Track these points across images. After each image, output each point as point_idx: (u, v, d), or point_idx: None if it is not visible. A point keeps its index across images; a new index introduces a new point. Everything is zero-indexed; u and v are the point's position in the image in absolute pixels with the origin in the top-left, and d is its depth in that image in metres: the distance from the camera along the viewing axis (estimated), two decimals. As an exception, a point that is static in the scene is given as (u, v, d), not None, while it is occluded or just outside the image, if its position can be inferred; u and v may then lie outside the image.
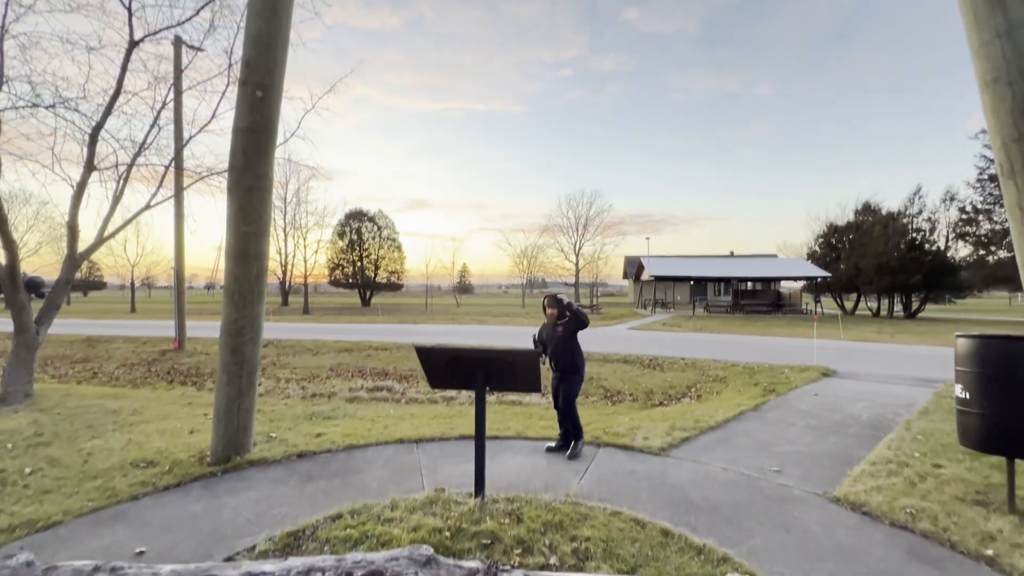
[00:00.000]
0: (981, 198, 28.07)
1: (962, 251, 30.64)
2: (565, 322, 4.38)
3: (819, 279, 33.01)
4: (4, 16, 6.50)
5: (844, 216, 36.30)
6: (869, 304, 36.06)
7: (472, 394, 6.25)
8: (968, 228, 29.37)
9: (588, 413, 6.65)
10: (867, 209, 34.52)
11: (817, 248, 36.67)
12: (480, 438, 3.21)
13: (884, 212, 33.26)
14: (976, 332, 3.38)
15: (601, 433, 5.03)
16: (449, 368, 3.29)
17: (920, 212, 31.47)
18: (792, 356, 11.63)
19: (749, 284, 37.90)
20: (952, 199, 30.39)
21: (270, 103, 3.90)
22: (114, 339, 15.74)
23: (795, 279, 34.65)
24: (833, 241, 35.88)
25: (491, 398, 7.89)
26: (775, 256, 44.07)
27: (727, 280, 37.08)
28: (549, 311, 4.45)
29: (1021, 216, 2.33)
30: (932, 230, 31.10)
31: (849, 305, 36.70)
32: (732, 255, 49.56)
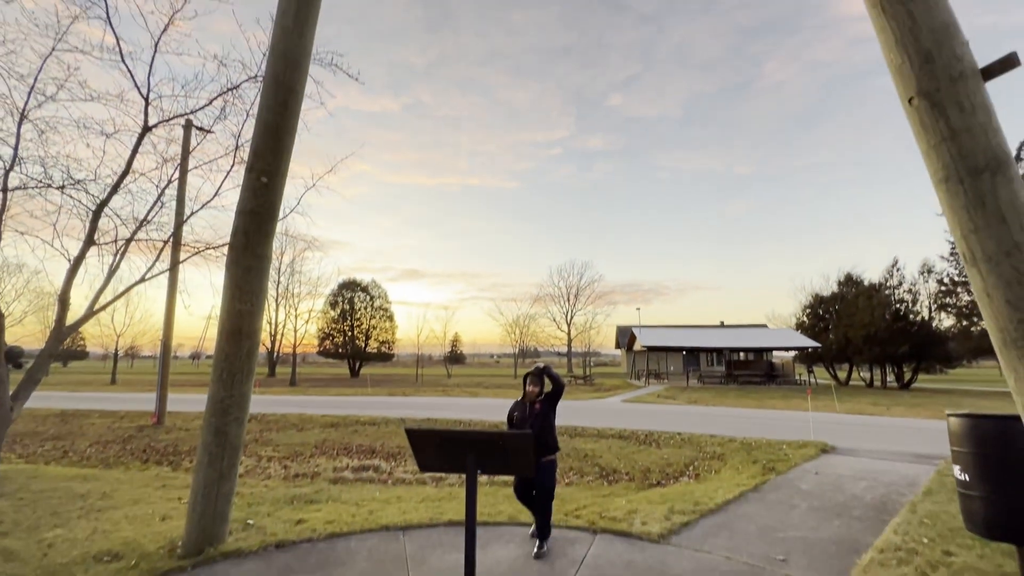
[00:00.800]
0: (956, 271, 29.08)
1: (946, 321, 31.20)
2: (542, 398, 4.11)
3: (809, 349, 33.13)
4: (26, 103, 6.92)
5: (828, 287, 37.23)
6: (862, 374, 35.98)
7: (462, 475, 6.01)
8: (948, 299, 30.13)
9: (584, 494, 6.37)
10: (850, 281, 35.49)
11: (805, 319, 37.17)
12: (471, 527, 3.06)
13: (866, 283, 34.20)
14: (968, 410, 3.39)
15: (597, 518, 4.81)
16: (438, 451, 3.20)
17: (900, 284, 32.39)
18: (789, 430, 11.40)
19: (741, 354, 37.88)
20: (930, 271, 31.43)
21: (274, 188, 4.10)
22: (90, 413, 15.12)
23: (786, 349, 34.76)
24: (820, 311, 36.46)
25: (482, 479, 7.56)
26: (765, 326, 44.48)
27: (719, 350, 37.08)
28: (530, 388, 4.12)
29: (988, 301, 2.44)
30: (915, 301, 31.83)
31: (842, 375, 36.59)
32: (723, 325, 49.95)
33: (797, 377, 34.30)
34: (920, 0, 2.46)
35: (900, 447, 9.22)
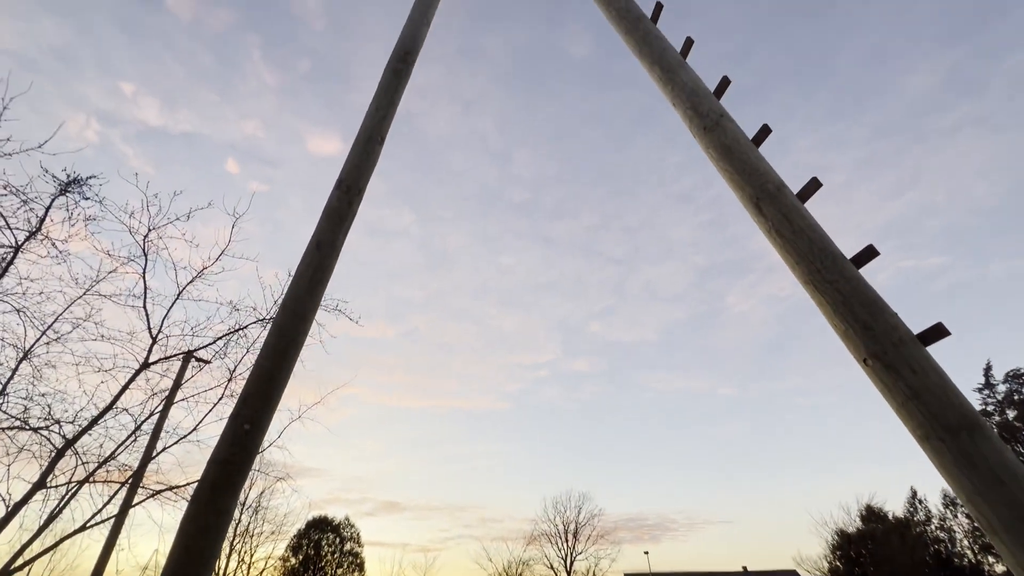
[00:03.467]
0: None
1: (998, 567, 27.34)
2: None
3: (855, 606, 27.98)
4: (35, 343, 7.21)
5: (851, 521, 33.68)
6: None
7: None
8: (987, 538, 27.07)
9: None
10: (872, 514, 32.38)
11: (839, 563, 32.48)
12: None
13: (891, 517, 31.15)
14: None
15: None
16: None
17: (929, 519, 29.54)
18: None
19: (776, 613, 31.68)
20: (954, 503, 29.07)
21: (255, 437, 3.99)
22: None
23: (827, 605, 29.27)
24: (852, 553, 32.14)
25: None
26: (795, 573, 38.47)
27: (749, 608, 31.11)
28: None
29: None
30: (952, 540, 28.50)
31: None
32: (746, 571, 43.14)
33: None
34: (843, 281, 2.90)
35: None
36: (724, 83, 3.86)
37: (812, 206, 3.36)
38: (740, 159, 3.46)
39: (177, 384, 10.12)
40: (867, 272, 3.00)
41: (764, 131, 3.59)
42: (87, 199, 6.33)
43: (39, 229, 6.21)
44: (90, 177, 6.30)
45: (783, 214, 3.17)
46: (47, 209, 6.19)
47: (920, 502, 30.40)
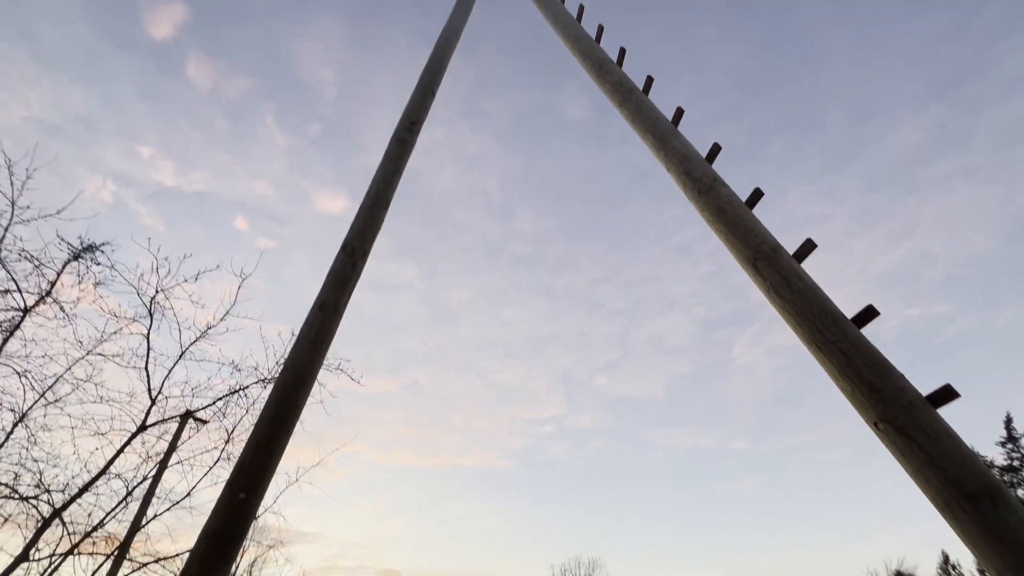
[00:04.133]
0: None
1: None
2: None
3: None
4: (32, 406, 7.13)
5: (883, 591, 31.38)
6: None
7: None
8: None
9: None
10: (904, 582, 30.26)
11: (871, 637, 29.98)
12: None
13: (924, 586, 29.05)
14: None
15: None
16: None
17: (966, 587, 27.56)
18: None
19: None
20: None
21: (250, 506, 3.84)
22: None
23: None
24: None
25: None
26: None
27: None
28: None
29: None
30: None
31: None
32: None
33: None
34: (846, 342, 2.89)
35: None
36: (715, 149, 4.03)
37: (811, 264, 3.42)
38: (735, 221, 3.55)
39: (172, 446, 9.88)
40: (870, 332, 3.00)
41: (757, 194, 3.70)
42: (98, 264, 6.48)
43: (49, 293, 6.31)
44: (103, 244, 6.48)
45: (781, 275, 3.21)
46: (59, 274, 6.32)
47: (953, 567, 28.49)
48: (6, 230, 6.09)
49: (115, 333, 7.90)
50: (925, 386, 2.74)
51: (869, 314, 2.99)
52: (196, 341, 7.93)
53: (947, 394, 2.64)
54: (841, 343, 2.90)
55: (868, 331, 2.99)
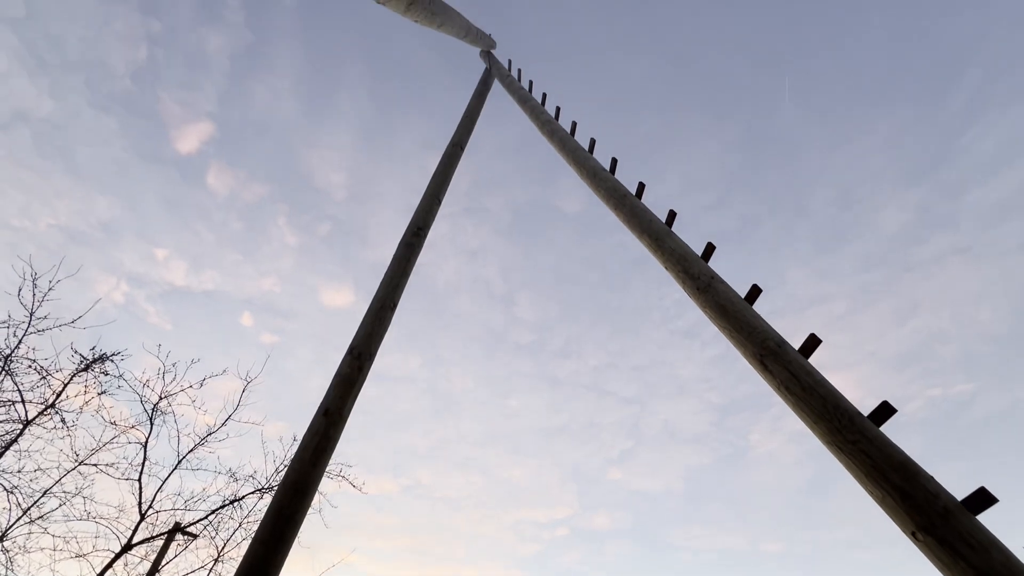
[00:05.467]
0: None
1: None
2: None
3: None
4: (11, 525, 6.73)
5: None
6: None
7: None
8: None
9: None
10: None
11: None
12: None
13: None
14: None
15: None
16: None
17: None
18: None
19: None
20: None
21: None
22: None
23: None
24: None
25: None
26: None
27: None
28: None
29: None
30: None
31: None
32: None
33: None
34: (866, 442, 2.79)
35: None
36: (710, 249, 4.20)
37: (819, 356, 3.40)
38: (737, 318, 3.60)
39: (156, 567, 9.15)
40: (888, 430, 2.91)
41: (755, 290, 3.79)
42: (107, 375, 6.49)
43: (53, 405, 6.26)
44: (115, 354, 6.55)
45: (790, 372, 3.18)
46: (64, 385, 6.32)
47: None
48: (20, 341, 6.20)
49: (112, 440, 7.69)
50: (958, 478, 2.60)
51: (886, 411, 2.92)
52: (194, 449, 7.67)
53: (984, 499, 2.49)
54: (862, 443, 2.80)
55: (887, 429, 2.90)
